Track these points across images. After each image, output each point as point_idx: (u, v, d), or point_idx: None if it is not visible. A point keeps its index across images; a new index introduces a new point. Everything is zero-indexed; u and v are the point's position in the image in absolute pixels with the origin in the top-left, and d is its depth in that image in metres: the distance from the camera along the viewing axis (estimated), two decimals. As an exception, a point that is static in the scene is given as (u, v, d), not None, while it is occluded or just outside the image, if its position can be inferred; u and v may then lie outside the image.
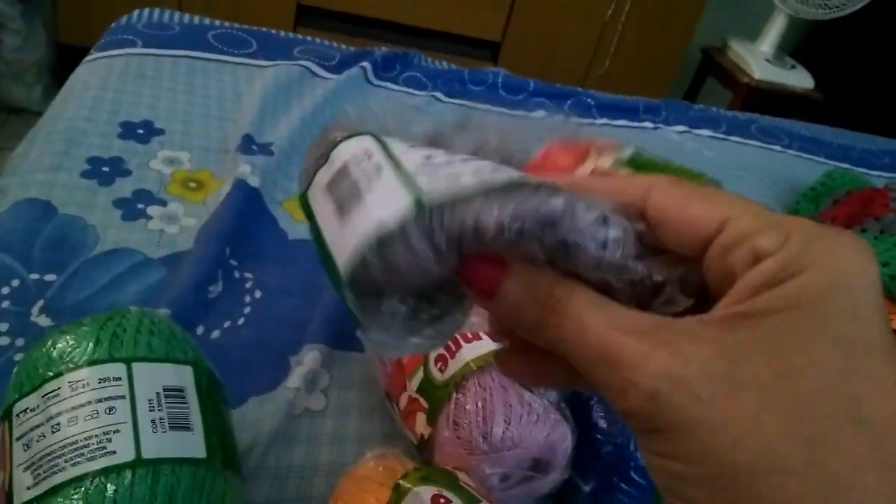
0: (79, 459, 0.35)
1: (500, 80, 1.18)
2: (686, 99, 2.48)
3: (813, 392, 0.17)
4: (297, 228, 0.71)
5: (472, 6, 2.04)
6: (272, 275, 0.65)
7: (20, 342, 0.51)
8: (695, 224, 0.21)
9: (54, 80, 1.94)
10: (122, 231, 0.63)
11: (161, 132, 0.77)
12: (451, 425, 0.47)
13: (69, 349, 0.40)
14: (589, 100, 1.23)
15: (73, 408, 0.37)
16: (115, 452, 0.36)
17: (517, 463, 0.46)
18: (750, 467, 0.17)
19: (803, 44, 2.42)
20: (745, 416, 0.17)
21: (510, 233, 0.19)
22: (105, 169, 0.69)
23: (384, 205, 0.21)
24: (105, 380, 0.38)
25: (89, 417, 0.37)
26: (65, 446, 0.36)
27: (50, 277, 0.56)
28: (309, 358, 0.56)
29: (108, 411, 0.37)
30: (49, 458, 0.36)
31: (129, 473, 0.35)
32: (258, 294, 0.62)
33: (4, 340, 0.51)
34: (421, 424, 0.49)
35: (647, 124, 1.25)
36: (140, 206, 0.66)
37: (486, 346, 0.49)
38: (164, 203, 0.68)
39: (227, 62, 0.96)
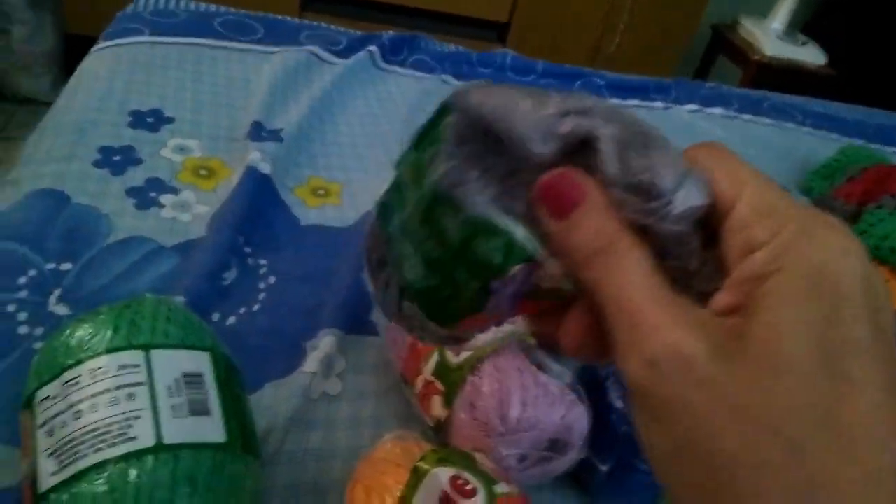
0: (101, 446, 0.36)
1: (508, 62, 1.17)
2: (697, 77, 2.45)
3: (794, 392, 0.17)
4: (309, 214, 0.71)
5: (478, -13, 2.02)
6: (285, 261, 0.65)
7: (39, 331, 0.51)
8: (718, 200, 0.21)
9: (63, 71, 1.95)
10: (135, 219, 0.63)
11: (171, 120, 0.77)
12: (467, 407, 0.47)
13: (88, 337, 0.40)
14: (598, 80, 1.22)
15: (94, 395, 0.37)
16: (135, 438, 0.36)
17: (534, 444, 0.46)
18: (731, 458, 0.17)
19: (815, 19, 2.39)
20: (733, 407, 0.17)
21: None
22: (116, 158, 0.69)
23: None
24: (124, 367, 0.39)
25: (110, 404, 0.37)
26: (87, 433, 0.36)
27: (66, 267, 0.57)
28: (324, 343, 0.56)
29: (128, 398, 0.37)
30: (72, 444, 0.36)
31: (150, 459, 0.36)
32: (272, 280, 0.62)
33: (24, 329, 0.51)
34: (437, 407, 0.49)
35: (658, 104, 1.24)
36: (152, 194, 0.66)
37: (501, 328, 0.49)
38: (175, 191, 0.68)
39: (234, 49, 0.96)
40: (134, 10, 0.99)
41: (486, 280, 0.22)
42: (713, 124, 1.22)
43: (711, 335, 0.18)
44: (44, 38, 1.89)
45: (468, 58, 1.15)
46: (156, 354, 0.40)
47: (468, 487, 0.38)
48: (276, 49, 0.98)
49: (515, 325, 0.50)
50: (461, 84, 0.24)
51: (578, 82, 1.20)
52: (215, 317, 0.57)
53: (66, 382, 0.38)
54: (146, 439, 0.36)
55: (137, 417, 0.37)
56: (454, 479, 0.38)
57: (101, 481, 0.35)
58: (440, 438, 0.49)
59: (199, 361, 0.42)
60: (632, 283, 0.20)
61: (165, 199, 0.66)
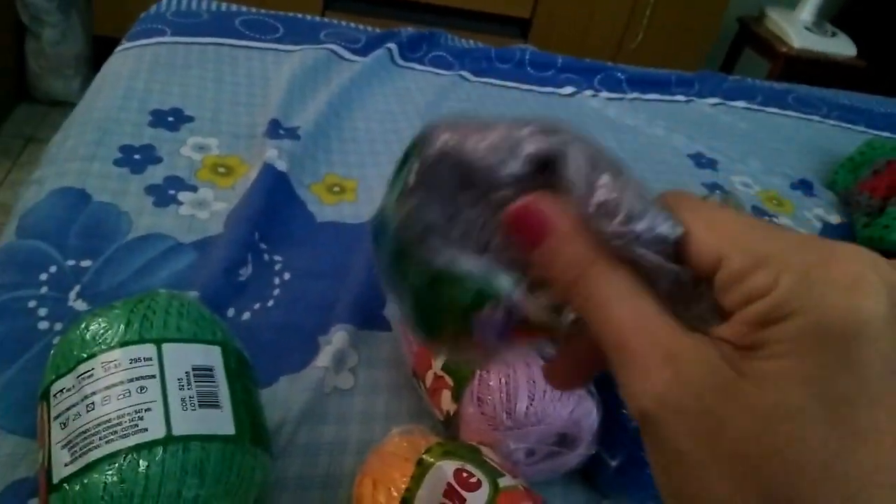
0: (112, 437, 0.37)
1: (527, 57, 1.16)
2: (723, 71, 2.42)
3: (793, 443, 0.16)
4: (325, 211, 0.72)
5: (500, -17, 2.02)
6: (301, 257, 0.65)
7: (59, 326, 0.52)
8: (700, 252, 0.20)
9: (92, 73, 1.97)
10: (154, 217, 0.64)
11: (191, 119, 0.78)
12: (475, 402, 0.47)
13: (102, 331, 0.41)
14: (619, 74, 1.21)
15: (107, 387, 0.38)
16: (146, 430, 0.37)
17: (542, 438, 0.46)
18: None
19: (844, 9, 2.34)
20: (728, 456, 0.17)
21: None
22: (137, 157, 0.70)
23: None
24: (136, 360, 0.39)
25: (122, 396, 0.38)
26: (99, 424, 0.37)
27: (86, 263, 0.58)
28: (337, 338, 0.57)
29: (139, 390, 0.38)
30: (85, 435, 0.37)
31: (160, 450, 0.36)
32: (287, 276, 0.63)
33: (44, 325, 0.52)
34: (447, 401, 0.50)
35: (680, 97, 1.23)
36: (171, 192, 0.68)
37: (510, 323, 0.49)
38: (194, 189, 0.69)
39: (254, 48, 0.97)
40: (157, 11, 1.01)
41: (465, 313, 0.22)
42: (736, 117, 1.20)
43: (704, 378, 0.18)
44: (73, 40, 1.93)
45: (487, 54, 1.15)
46: (167, 348, 0.41)
47: (472, 480, 0.38)
48: (296, 48, 0.99)
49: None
50: (439, 121, 0.24)
51: (598, 76, 1.19)
52: (230, 312, 0.58)
53: (80, 375, 0.39)
54: (157, 431, 0.37)
55: (148, 409, 0.38)
56: (459, 471, 0.39)
57: (111, 472, 0.36)
58: (450, 432, 0.50)
59: (210, 355, 0.42)
60: (616, 304, 0.19)
61: (184, 196, 0.68)
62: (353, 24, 1.17)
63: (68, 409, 0.38)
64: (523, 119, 0.21)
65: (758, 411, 0.17)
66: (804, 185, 1.04)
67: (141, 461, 0.36)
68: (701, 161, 1.03)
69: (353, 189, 0.76)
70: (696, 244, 0.20)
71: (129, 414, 0.37)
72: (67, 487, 0.36)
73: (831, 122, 1.28)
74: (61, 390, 0.39)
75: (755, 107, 1.26)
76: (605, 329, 0.19)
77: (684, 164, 1.01)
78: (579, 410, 0.47)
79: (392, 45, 1.06)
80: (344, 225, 0.71)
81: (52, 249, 0.58)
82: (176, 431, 0.37)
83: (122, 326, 0.41)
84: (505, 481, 0.39)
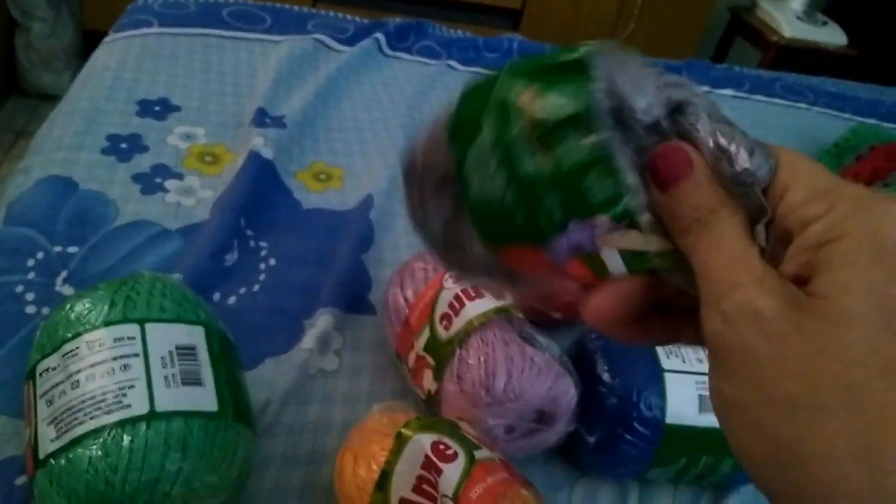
0: (97, 413, 0.37)
1: (515, 47, 1.17)
2: (715, 60, 2.42)
3: (856, 344, 0.18)
4: (311, 199, 0.73)
5: (490, -26, 2.02)
6: (286, 244, 0.66)
7: (46, 311, 0.53)
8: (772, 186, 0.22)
9: (82, 66, 1.98)
10: (140, 204, 0.65)
11: (177, 109, 0.79)
12: (455, 380, 0.48)
13: (86, 312, 0.42)
14: (606, 63, 1.21)
15: (91, 365, 0.39)
16: (130, 406, 0.38)
17: (520, 414, 0.47)
18: (792, 401, 0.19)
19: (835, -1, 2.35)
20: (798, 356, 0.19)
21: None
22: (124, 146, 0.71)
23: None
24: (120, 339, 0.40)
25: (106, 374, 0.39)
26: (84, 401, 0.38)
27: (73, 250, 0.59)
28: (322, 321, 0.58)
29: (123, 368, 0.39)
30: (70, 412, 0.38)
31: (143, 425, 0.37)
32: (273, 262, 0.64)
33: (31, 309, 0.53)
34: (428, 380, 0.51)
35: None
36: (158, 180, 0.68)
37: (489, 304, 0.50)
38: (181, 177, 0.70)
39: (241, 38, 0.98)
40: (144, 3, 1.01)
41: (571, 215, 0.23)
42: (723, 105, 1.20)
43: (782, 294, 0.20)
44: (63, 34, 1.93)
45: (475, 43, 1.15)
46: (150, 328, 0.42)
47: (449, 452, 0.39)
48: (283, 38, 1.00)
49: (503, 301, 0.51)
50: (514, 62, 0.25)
51: (586, 66, 1.20)
52: (216, 296, 0.59)
53: (65, 354, 0.40)
54: (140, 407, 0.38)
55: (132, 387, 0.39)
56: (436, 444, 0.40)
57: (96, 446, 0.36)
58: (431, 410, 0.51)
59: (193, 335, 0.43)
60: (726, 248, 0.21)
61: (170, 184, 0.68)
62: (339, 14, 1.17)
63: (53, 387, 0.39)
64: (655, 66, 0.23)
65: (827, 317, 0.19)
66: (789, 172, 1.05)
67: (125, 436, 0.37)
68: (686, 148, 1.04)
69: (340, 177, 0.77)
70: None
71: (112, 391, 0.38)
72: (53, 462, 0.37)
73: (818, 109, 1.29)
74: (47, 369, 0.40)
75: (742, 94, 1.27)
76: (710, 262, 0.21)
77: (670, 150, 1.02)
78: (557, 388, 0.48)
79: (380, 35, 1.07)
80: (330, 212, 0.72)
81: (40, 236, 0.59)
82: (159, 407, 0.38)
83: (105, 307, 0.42)
84: (481, 453, 0.40)
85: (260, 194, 0.69)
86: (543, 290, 0.28)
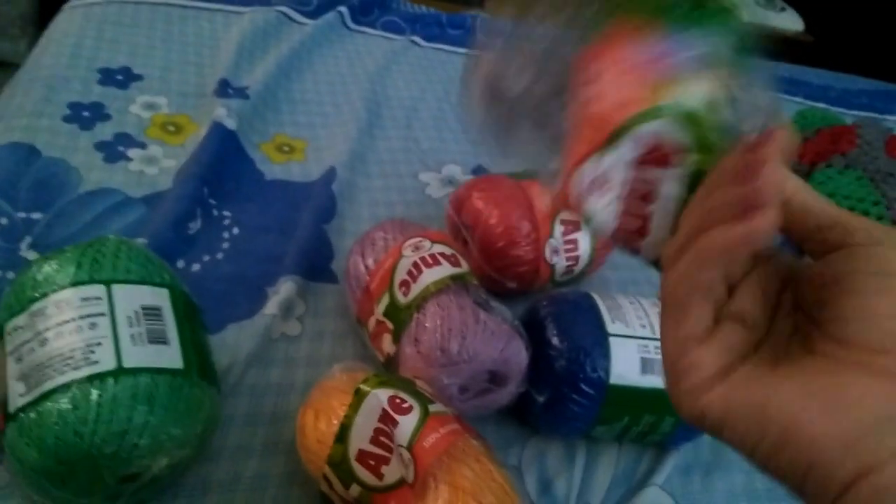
0: (65, 369, 0.39)
1: (478, 24, 1.18)
2: (674, 43, 2.46)
3: None
4: (274, 170, 0.74)
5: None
6: (249, 213, 0.68)
7: (10, 275, 0.54)
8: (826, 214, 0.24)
9: (39, 33, 1.93)
10: (104, 172, 0.66)
11: (140, 78, 0.79)
12: (413, 342, 0.50)
13: (53, 273, 0.43)
14: (567, 43, 1.24)
15: (59, 324, 0.40)
16: (98, 362, 0.39)
17: (473, 375, 0.50)
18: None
19: (792, -16, 2.39)
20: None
21: None
22: (86, 114, 0.71)
23: None
24: (87, 299, 0.42)
25: (73, 332, 0.40)
26: (52, 358, 0.39)
27: (36, 216, 0.59)
28: (285, 288, 0.60)
29: (90, 327, 0.41)
30: (39, 368, 0.39)
31: (111, 380, 0.39)
32: (236, 231, 0.65)
33: (-5, 273, 0.54)
34: (387, 344, 0.53)
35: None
36: (121, 148, 0.69)
37: (445, 270, 0.52)
38: (143, 146, 0.70)
39: (204, 9, 0.97)
40: (105, -30, 1.00)
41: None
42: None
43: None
44: (18, 0, 1.88)
45: (438, 19, 1.17)
46: (117, 288, 0.43)
47: (405, 405, 0.42)
48: (246, 9, 0.99)
49: (461, 268, 0.54)
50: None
51: (547, 45, 1.22)
52: (180, 263, 0.60)
53: (34, 313, 0.41)
54: (107, 363, 0.40)
55: (99, 344, 0.40)
56: (392, 398, 0.42)
57: (65, 400, 0.38)
58: (390, 371, 0.53)
59: (158, 296, 0.45)
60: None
61: (133, 153, 0.69)
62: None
63: (22, 344, 0.41)
64: None
65: None
66: (739, 152, 1.09)
67: (93, 390, 0.38)
68: (642, 127, 1.07)
69: (302, 149, 0.78)
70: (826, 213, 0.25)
71: (80, 348, 0.40)
72: (23, 416, 0.38)
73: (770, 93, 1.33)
74: (15, 328, 0.41)
75: (698, 77, 1.30)
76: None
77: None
78: (509, 350, 0.51)
79: (343, 9, 1.07)
80: (292, 183, 0.73)
81: (3, 202, 0.59)
82: (126, 364, 0.40)
83: (72, 268, 0.43)
84: (435, 407, 0.42)
85: (223, 164, 0.70)
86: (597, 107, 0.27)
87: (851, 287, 0.22)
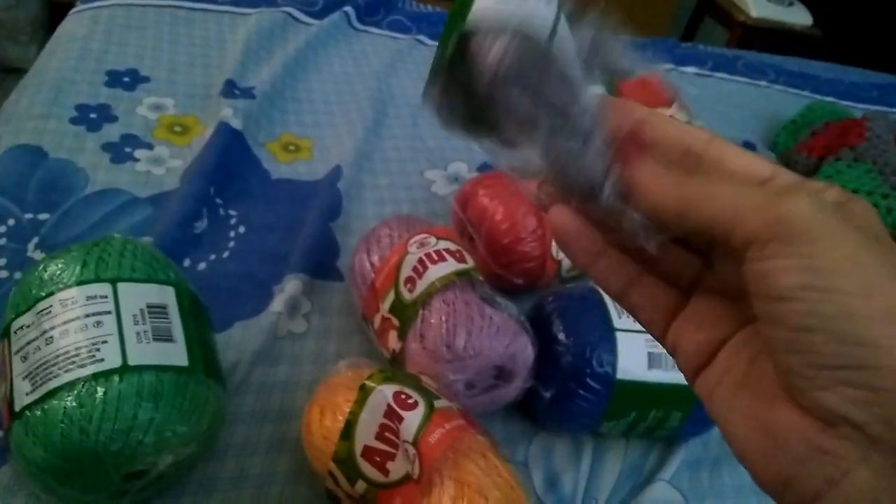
0: (71, 367, 0.39)
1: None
2: (683, 40, 2.45)
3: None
4: (280, 169, 0.74)
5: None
6: (255, 212, 0.68)
7: (18, 275, 0.54)
8: (752, 169, 0.24)
9: (49, 39, 1.95)
10: (110, 173, 0.66)
11: (146, 80, 0.79)
12: (418, 338, 0.50)
13: (59, 272, 0.43)
14: (573, 40, 1.23)
15: (65, 322, 0.41)
16: (103, 360, 0.40)
17: (479, 370, 0.50)
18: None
19: (801, -21, 2.38)
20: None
21: None
22: (93, 115, 0.72)
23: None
24: (92, 297, 0.42)
25: (79, 330, 0.40)
26: (58, 356, 0.40)
27: (43, 216, 0.60)
28: (290, 286, 0.60)
29: (95, 325, 0.41)
30: (44, 366, 0.39)
31: (116, 378, 0.39)
32: (242, 230, 0.65)
33: (3, 274, 0.54)
34: (393, 340, 0.53)
35: (655, 63, 1.26)
36: (127, 149, 0.69)
37: (451, 266, 0.52)
38: (150, 147, 0.71)
39: (211, 10, 0.98)
40: (111, -26, 1.01)
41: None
42: (686, 82, 1.24)
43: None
44: (28, 5, 1.90)
45: (444, 18, 1.16)
46: (122, 287, 0.43)
47: (410, 401, 0.41)
48: (251, 10, 1.00)
49: (466, 264, 0.53)
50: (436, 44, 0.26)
51: (553, 42, 1.22)
52: (186, 262, 0.60)
53: (39, 312, 0.41)
54: (113, 361, 0.40)
55: (105, 342, 0.40)
56: (398, 394, 0.42)
57: (71, 398, 0.38)
58: (396, 369, 0.53)
59: (164, 294, 0.45)
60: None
61: (140, 153, 0.69)
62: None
63: (28, 343, 0.41)
64: None
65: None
66: (747, 147, 1.08)
67: (98, 388, 0.39)
68: (649, 123, 1.06)
69: (308, 148, 0.78)
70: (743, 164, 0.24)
71: (86, 346, 0.40)
72: (29, 414, 0.38)
73: (778, 87, 1.33)
74: (21, 327, 0.42)
75: (705, 72, 1.30)
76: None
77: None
78: (515, 345, 0.51)
79: (349, 9, 1.07)
80: (299, 182, 0.73)
81: (11, 203, 0.60)
82: (132, 361, 0.40)
83: (78, 267, 0.43)
84: (440, 403, 0.42)
85: (229, 164, 0.71)
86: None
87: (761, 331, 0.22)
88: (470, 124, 0.27)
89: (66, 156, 0.66)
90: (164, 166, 0.69)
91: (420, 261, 0.53)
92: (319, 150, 0.79)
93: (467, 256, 0.55)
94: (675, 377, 0.52)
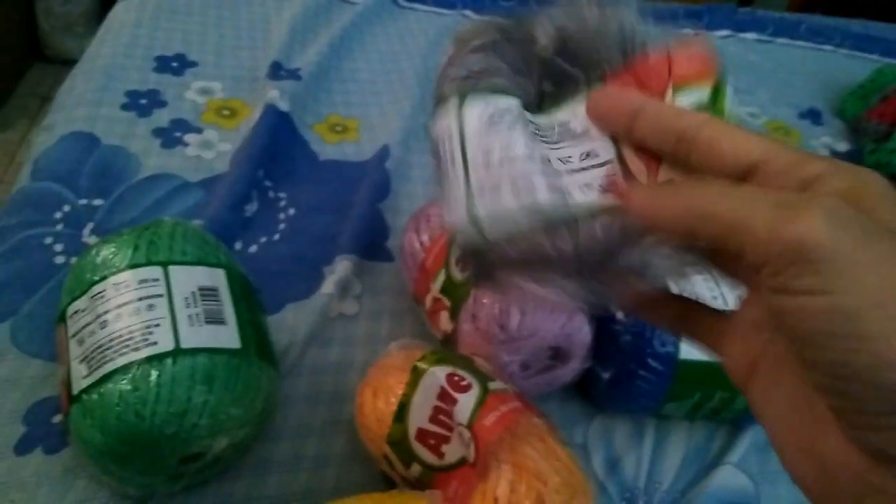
0: (125, 350, 0.39)
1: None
2: (742, 5, 2.36)
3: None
4: (327, 150, 0.74)
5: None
6: (304, 194, 0.67)
7: (74, 261, 0.55)
8: (741, 153, 0.22)
9: (101, 30, 1.99)
10: (161, 158, 0.66)
11: (194, 64, 0.80)
12: (471, 319, 0.49)
13: (111, 256, 0.43)
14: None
15: (118, 306, 0.41)
16: (156, 343, 0.39)
17: (534, 351, 0.48)
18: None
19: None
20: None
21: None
22: (143, 101, 0.72)
23: (455, 210, 0.25)
24: (144, 281, 0.42)
25: (132, 314, 0.40)
26: (112, 339, 0.40)
27: (97, 202, 0.60)
28: (341, 267, 0.59)
29: (148, 308, 0.41)
30: (99, 350, 0.40)
31: (170, 361, 0.39)
32: (292, 212, 0.65)
33: (60, 259, 0.55)
34: (445, 321, 0.52)
35: (687, 30, 1.21)
36: (177, 134, 0.69)
37: (504, 243, 0.51)
38: (199, 131, 0.71)
39: (256, -7, 0.97)
40: (158, -39, 1.01)
41: None
42: (746, 49, 1.19)
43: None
44: (82, -2, 1.94)
45: (489, -8, 1.14)
46: (173, 270, 0.43)
47: (464, 383, 0.40)
48: (296, -8, 0.99)
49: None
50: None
51: (604, 12, 1.18)
52: (238, 245, 0.60)
53: (93, 296, 0.42)
54: (166, 344, 0.40)
55: (157, 325, 0.40)
56: (451, 375, 0.41)
57: (125, 381, 0.38)
58: (448, 350, 0.52)
59: (215, 277, 0.45)
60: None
61: (190, 138, 0.69)
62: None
63: (84, 327, 0.41)
64: None
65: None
66: (812, 115, 1.03)
67: (152, 371, 0.38)
68: (707, 93, 1.02)
69: (356, 128, 0.77)
70: (739, 147, 0.23)
71: (139, 329, 0.40)
72: (86, 397, 0.39)
73: (844, 51, 1.26)
74: (76, 311, 0.42)
75: (766, 38, 1.24)
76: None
77: (690, 96, 1.01)
78: (570, 325, 0.49)
79: (394, -13, 1.05)
80: (346, 163, 0.73)
81: (66, 190, 0.61)
82: (184, 344, 0.40)
83: (130, 251, 0.43)
84: (495, 385, 0.41)
85: (277, 146, 0.70)
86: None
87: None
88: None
89: (118, 142, 0.67)
90: (214, 150, 0.69)
91: (471, 239, 0.52)
92: (366, 130, 0.78)
93: (520, 234, 0.53)
94: (742, 356, 0.49)
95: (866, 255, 0.18)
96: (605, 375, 0.51)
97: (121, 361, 0.39)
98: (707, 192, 0.21)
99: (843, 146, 0.98)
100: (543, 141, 0.26)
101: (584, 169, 0.25)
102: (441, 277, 0.52)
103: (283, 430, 0.49)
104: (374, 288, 0.60)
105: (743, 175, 0.22)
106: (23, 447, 0.44)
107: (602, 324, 0.51)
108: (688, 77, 0.25)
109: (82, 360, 0.40)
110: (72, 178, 0.62)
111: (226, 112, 0.74)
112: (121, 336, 0.40)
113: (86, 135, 0.66)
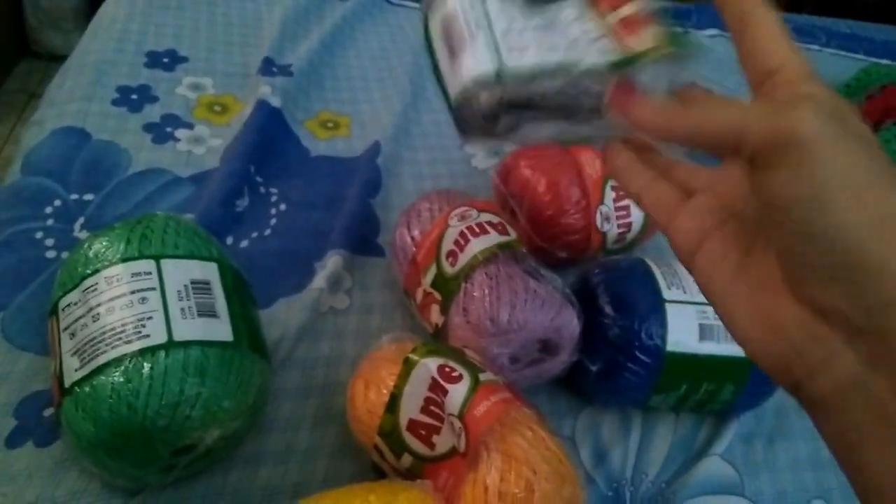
0: (118, 343, 0.39)
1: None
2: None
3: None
4: (319, 146, 0.74)
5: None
6: (296, 189, 0.67)
7: (65, 255, 0.55)
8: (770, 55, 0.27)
9: (90, 26, 1.98)
10: (152, 153, 0.66)
11: (185, 60, 0.80)
12: (461, 312, 0.49)
13: (103, 249, 0.43)
14: (614, 8, 1.20)
15: (110, 299, 0.41)
16: (149, 336, 0.40)
17: (524, 344, 0.49)
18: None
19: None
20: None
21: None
22: (134, 97, 0.72)
23: (476, 65, 0.29)
24: (137, 274, 0.42)
25: (125, 307, 0.41)
26: (105, 332, 0.40)
27: (88, 197, 0.60)
28: (332, 262, 0.60)
29: (141, 301, 0.41)
30: (92, 343, 0.40)
31: (162, 353, 0.39)
32: (283, 207, 0.65)
33: (51, 254, 0.55)
34: (435, 315, 0.52)
35: (677, 29, 1.22)
36: (168, 129, 0.69)
37: (493, 239, 0.51)
38: (190, 126, 0.71)
39: (246, -11, 0.97)
40: (148, -44, 1.01)
41: None
42: (732, 48, 1.20)
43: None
44: (70, -7, 1.93)
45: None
46: (166, 263, 0.43)
47: (455, 374, 0.41)
48: (287, -12, 0.99)
49: (509, 236, 0.52)
50: None
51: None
52: (229, 240, 0.60)
53: (86, 290, 0.42)
54: (158, 337, 0.40)
55: (150, 318, 0.40)
56: (442, 367, 0.41)
57: (118, 373, 0.38)
58: (439, 343, 0.52)
59: (207, 270, 0.45)
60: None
61: (181, 133, 0.70)
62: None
63: (76, 320, 0.41)
64: None
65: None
66: (798, 113, 1.04)
67: (145, 363, 0.39)
68: (695, 91, 1.03)
69: (347, 125, 0.78)
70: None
71: (132, 322, 0.40)
72: (78, 390, 0.39)
73: (830, 50, 1.27)
74: (68, 304, 0.42)
75: (753, 37, 1.25)
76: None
77: (678, 94, 1.02)
78: (560, 319, 0.49)
79: (384, -16, 1.06)
80: (337, 159, 0.73)
81: (56, 185, 0.61)
82: (177, 337, 0.40)
83: (122, 245, 0.44)
84: (485, 376, 0.41)
85: (268, 142, 0.70)
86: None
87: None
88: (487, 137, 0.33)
89: (109, 137, 0.67)
90: (205, 145, 0.69)
91: (461, 234, 0.52)
92: (358, 127, 0.78)
93: (510, 228, 0.54)
94: (728, 349, 0.50)
95: (839, 144, 0.22)
96: (594, 368, 0.51)
97: (113, 354, 0.39)
98: (710, 109, 0.25)
99: (828, 144, 0.99)
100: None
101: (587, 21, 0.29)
102: (432, 271, 0.53)
103: (275, 422, 0.49)
104: (364, 282, 0.60)
105: (761, 80, 0.26)
106: (14, 440, 0.44)
107: (591, 317, 0.52)
108: None
109: (74, 353, 0.40)
110: (63, 173, 0.62)
111: (217, 108, 0.74)
112: (113, 329, 0.40)
113: (77, 130, 0.66)
